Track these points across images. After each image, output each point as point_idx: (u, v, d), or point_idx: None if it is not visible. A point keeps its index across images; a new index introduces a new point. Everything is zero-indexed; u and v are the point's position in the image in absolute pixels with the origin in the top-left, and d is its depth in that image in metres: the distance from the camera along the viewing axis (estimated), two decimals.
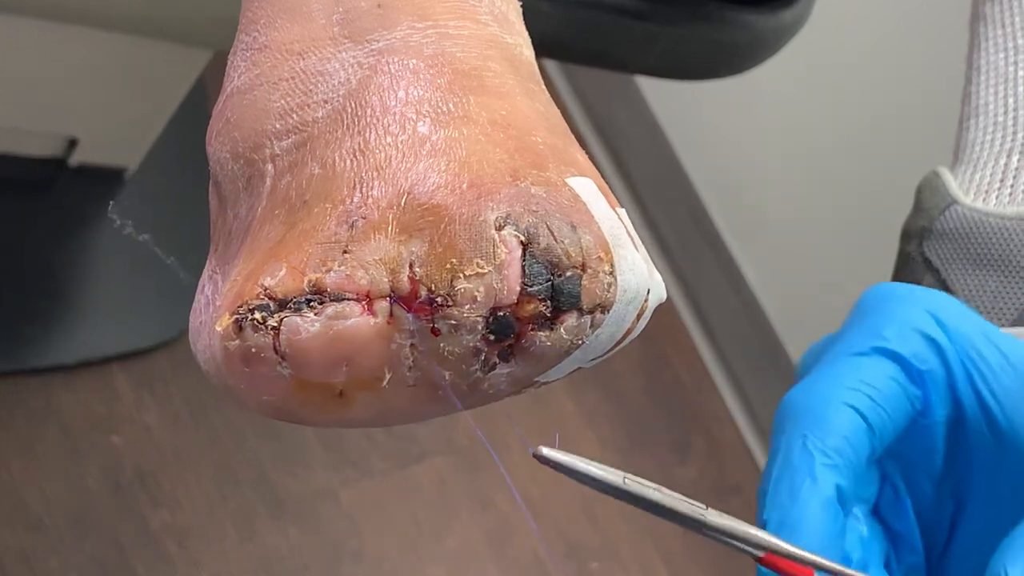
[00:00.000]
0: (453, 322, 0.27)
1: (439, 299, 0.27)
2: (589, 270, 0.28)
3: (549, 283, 0.28)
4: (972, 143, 0.51)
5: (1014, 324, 0.48)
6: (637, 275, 0.29)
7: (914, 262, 0.50)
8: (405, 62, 0.31)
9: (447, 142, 0.29)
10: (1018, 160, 0.50)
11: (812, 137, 1.27)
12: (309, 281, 0.28)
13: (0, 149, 1.15)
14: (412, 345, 0.28)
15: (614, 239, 0.29)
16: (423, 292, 0.27)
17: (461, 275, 0.27)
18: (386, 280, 0.28)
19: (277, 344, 0.28)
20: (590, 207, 0.29)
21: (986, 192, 0.48)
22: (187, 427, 1.17)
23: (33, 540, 1.06)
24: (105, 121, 1.14)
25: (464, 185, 0.28)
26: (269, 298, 0.28)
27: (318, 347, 0.28)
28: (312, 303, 0.28)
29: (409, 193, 0.28)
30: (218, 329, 0.29)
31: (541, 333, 0.28)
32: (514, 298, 0.27)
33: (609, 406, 1.33)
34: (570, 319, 0.28)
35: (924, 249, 0.50)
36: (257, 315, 0.28)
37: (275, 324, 0.28)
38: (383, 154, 0.29)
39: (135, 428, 1.15)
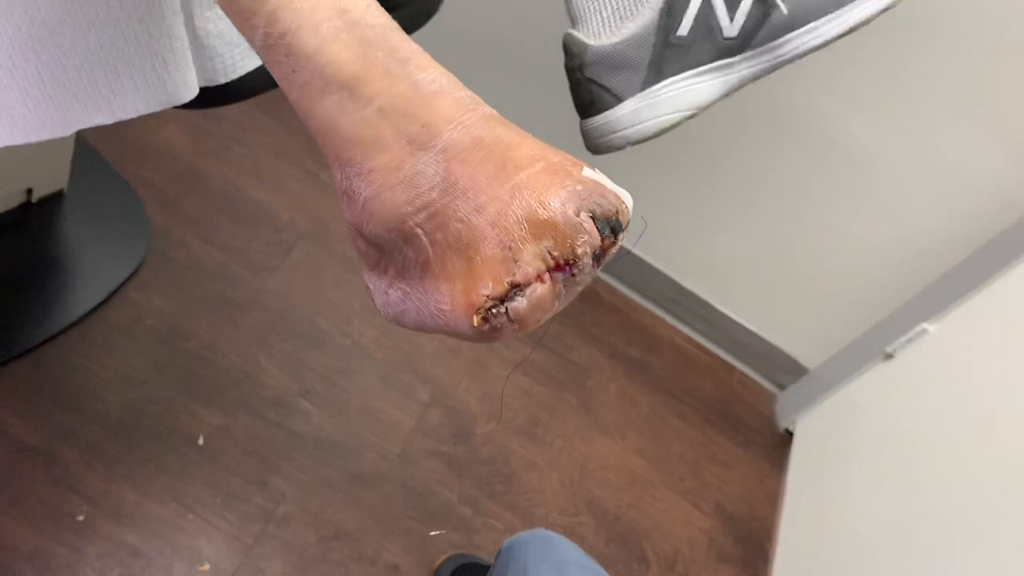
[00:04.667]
0: (581, 267, 0.38)
1: (572, 261, 0.38)
2: (620, 209, 0.39)
3: (609, 227, 0.38)
4: (580, 12, 0.62)
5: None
6: (625, 196, 0.40)
7: (584, 81, 0.61)
8: (460, 151, 0.38)
9: (520, 183, 0.37)
10: (604, 16, 0.61)
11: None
12: (510, 282, 0.38)
13: None
14: (564, 285, 0.39)
15: (615, 189, 0.40)
16: (562, 262, 0.38)
17: (576, 246, 0.38)
18: (542, 264, 0.38)
19: (508, 318, 0.38)
20: (597, 178, 0.39)
21: (595, 35, 0.61)
22: (176, 297, 1.37)
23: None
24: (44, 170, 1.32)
25: (557, 203, 0.38)
26: (493, 299, 0.38)
27: (529, 310, 0.38)
28: (518, 294, 0.38)
29: (525, 217, 0.37)
30: (474, 322, 0.38)
31: (612, 248, 0.39)
32: (599, 242, 0.38)
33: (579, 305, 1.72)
34: (621, 238, 0.39)
35: (587, 73, 0.61)
36: (492, 310, 0.38)
37: (503, 310, 0.38)
38: (492, 206, 0.37)
39: (151, 302, 1.36)
